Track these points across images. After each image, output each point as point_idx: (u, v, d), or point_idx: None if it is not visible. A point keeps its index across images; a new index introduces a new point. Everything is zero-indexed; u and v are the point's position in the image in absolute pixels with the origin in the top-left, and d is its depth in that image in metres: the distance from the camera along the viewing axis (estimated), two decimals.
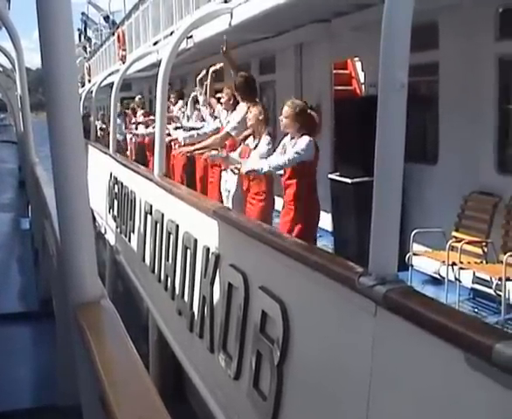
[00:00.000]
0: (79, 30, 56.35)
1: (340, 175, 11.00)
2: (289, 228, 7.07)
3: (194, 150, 10.00)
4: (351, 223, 10.30)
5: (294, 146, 7.15)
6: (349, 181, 10.47)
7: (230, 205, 8.73)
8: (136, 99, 17.16)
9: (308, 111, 7.61)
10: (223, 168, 9.02)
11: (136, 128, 16.19)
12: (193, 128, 11.34)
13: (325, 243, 11.56)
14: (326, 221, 11.34)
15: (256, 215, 7.66)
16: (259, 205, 7.85)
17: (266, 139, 7.91)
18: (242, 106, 8.91)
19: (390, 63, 3.28)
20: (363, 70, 13.23)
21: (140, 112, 16.21)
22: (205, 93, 11.33)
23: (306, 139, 7.09)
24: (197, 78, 12.00)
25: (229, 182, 8.90)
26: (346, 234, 10.62)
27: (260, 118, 7.92)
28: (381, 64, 3.29)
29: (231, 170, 8.09)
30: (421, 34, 9.22)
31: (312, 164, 7.21)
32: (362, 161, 9.64)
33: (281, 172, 7.43)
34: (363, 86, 13.54)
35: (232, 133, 8.97)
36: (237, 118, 9.07)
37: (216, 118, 10.59)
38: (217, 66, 10.54)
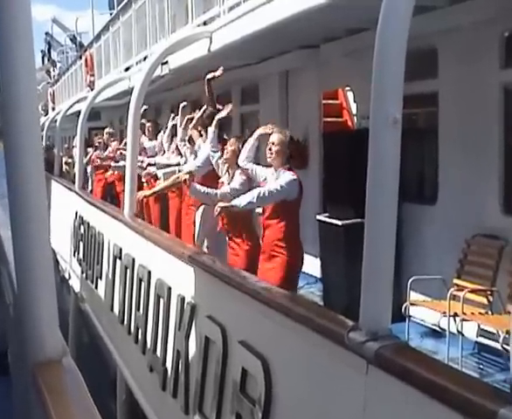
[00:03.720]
0: (42, 51, 56.28)
1: (329, 216, 10.94)
2: (270, 275, 6.95)
3: (152, 194, 10.26)
4: (342, 269, 10.17)
5: (277, 180, 7.14)
6: (339, 222, 10.41)
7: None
8: (106, 130, 16.93)
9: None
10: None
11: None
12: (169, 165, 11.31)
13: (313, 291, 11.59)
14: (314, 266, 11.30)
15: (241, 263, 7.61)
16: (243, 251, 7.82)
17: (241, 177, 7.88)
18: (207, 144, 9.07)
19: (382, 96, 3.34)
20: (355, 101, 13.24)
21: (113, 144, 16.01)
22: (185, 127, 10.80)
23: (289, 175, 7.09)
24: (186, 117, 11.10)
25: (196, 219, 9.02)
26: (336, 281, 10.50)
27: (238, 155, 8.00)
28: (372, 97, 3.34)
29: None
30: (419, 61, 9.37)
31: (295, 203, 7.18)
32: (353, 200, 9.51)
33: (260, 210, 7.46)
34: (355, 118, 13.59)
35: (196, 173, 9.08)
36: (202, 156, 9.26)
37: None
38: (224, 113, 9.14)
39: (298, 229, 7.28)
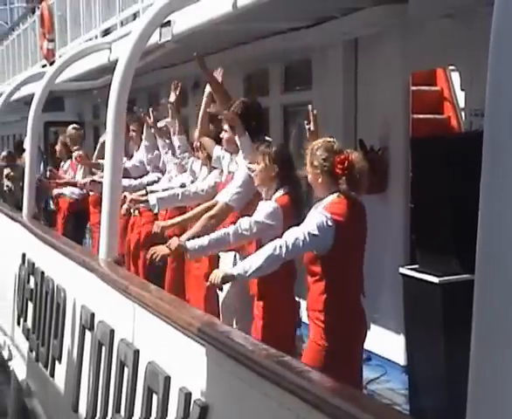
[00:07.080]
0: None
1: (421, 270, 8.57)
2: (319, 359, 5.78)
3: (171, 225, 7.80)
4: (440, 353, 8.04)
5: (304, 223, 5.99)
6: (435, 280, 8.19)
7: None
8: (70, 129, 13.55)
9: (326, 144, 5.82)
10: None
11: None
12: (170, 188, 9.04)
13: (392, 387, 9.44)
14: (395, 348, 9.62)
15: (263, 337, 6.23)
16: (261, 321, 6.42)
17: (270, 206, 6.47)
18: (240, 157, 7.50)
19: (503, 86, 2.43)
20: (463, 88, 9.90)
21: (75, 153, 12.69)
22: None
23: (319, 216, 5.74)
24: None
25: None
26: (430, 371, 8.29)
27: (273, 173, 6.53)
28: (489, 88, 2.49)
29: None
30: None
31: (331, 256, 5.77)
32: (459, 246, 7.83)
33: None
34: (463, 114, 10.68)
35: (234, 205, 7.27)
36: (239, 179, 7.40)
37: (213, 168, 8.40)
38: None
39: (354, 288, 6.04)
